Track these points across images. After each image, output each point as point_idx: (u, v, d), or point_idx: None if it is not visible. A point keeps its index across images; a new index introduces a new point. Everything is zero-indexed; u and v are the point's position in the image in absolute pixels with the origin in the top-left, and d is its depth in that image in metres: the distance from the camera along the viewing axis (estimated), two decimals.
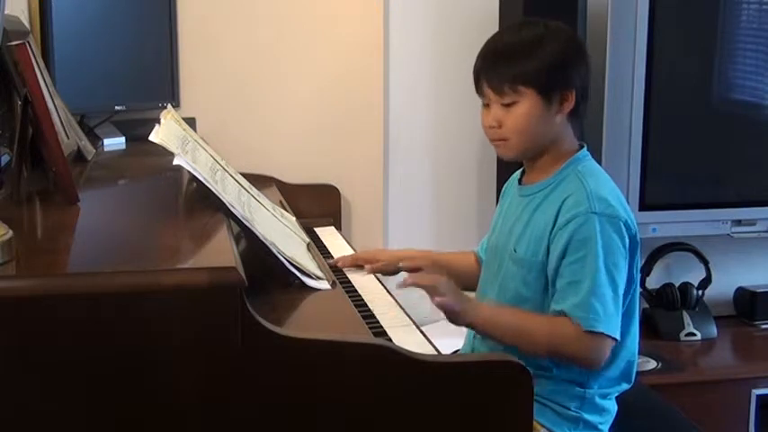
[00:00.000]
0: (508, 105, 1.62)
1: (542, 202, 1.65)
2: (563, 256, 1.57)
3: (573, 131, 1.69)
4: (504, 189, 1.85)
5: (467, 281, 1.90)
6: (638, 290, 1.68)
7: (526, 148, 1.66)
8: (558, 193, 1.63)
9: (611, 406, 1.68)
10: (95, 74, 2.45)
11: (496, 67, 1.63)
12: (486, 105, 1.66)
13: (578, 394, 1.63)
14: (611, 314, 1.55)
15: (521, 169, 1.77)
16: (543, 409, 1.62)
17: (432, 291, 1.55)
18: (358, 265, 1.94)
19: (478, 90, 1.67)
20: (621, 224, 1.58)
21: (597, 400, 1.65)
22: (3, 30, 1.46)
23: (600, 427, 1.66)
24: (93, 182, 1.94)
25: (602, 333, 1.53)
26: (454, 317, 1.56)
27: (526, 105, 1.61)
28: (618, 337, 1.56)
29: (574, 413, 1.63)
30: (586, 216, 1.56)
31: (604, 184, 1.64)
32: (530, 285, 1.63)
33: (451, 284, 1.58)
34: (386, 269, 1.92)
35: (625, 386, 1.69)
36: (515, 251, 1.66)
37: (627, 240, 1.59)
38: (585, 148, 1.69)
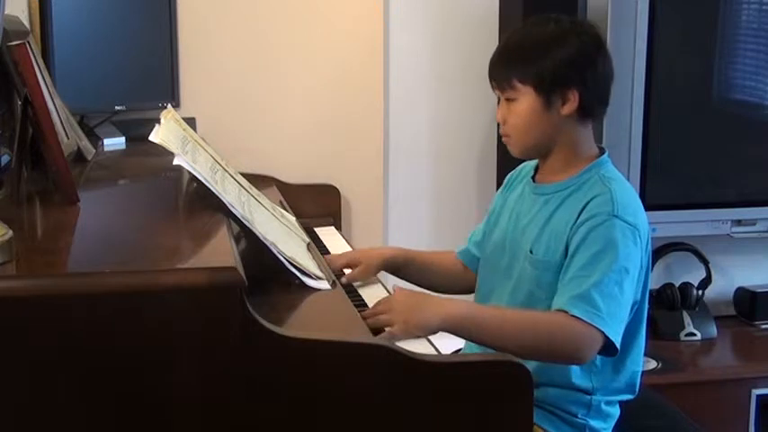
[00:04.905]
0: (510, 102, 1.63)
1: (563, 202, 1.61)
2: (576, 251, 1.53)
3: (590, 133, 1.67)
4: (509, 179, 1.81)
5: (445, 282, 1.88)
6: (647, 303, 1.63)
7: (526, 145, 1.66)
8: (582, 194, 1.59)
9: (615, 411, 1.67)
10: (95, 74, 2.45)
11: (501, 64, 1.65)
12: (499, 101, 1.67)
13: (585, 401, 1.61)
14: (614, 317, 1.48)
15: (534, 163, 1.73)
16: (550, 417, 1.61)
17: (384, 324, 1.51)
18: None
19: (492, 86, 1.68)
20: (638, 236, 1.54)
21: (603, 406, 1.63)
22: (3, 30, 1.46)
23: None
24: (93, 182, 1.94)
25: (597, 328, 1.46)
26: (418, 331, 1.50)
27: (524, 103, 1.61)
28: (617, 342, 1.49)
29: (581, 420, 1.62)
30: (609, 218, 1.52)
31: (629, 192, 1.60)
32: (543, 286, 1.58)
33: (402, 300, 1.54)
34: (362, 276, 1.84)
35: (629, 397, 1.67)
36: (532, 252, 1.61)
37: (642, 253, 1.56)
38: (607, 154, 1.67)
